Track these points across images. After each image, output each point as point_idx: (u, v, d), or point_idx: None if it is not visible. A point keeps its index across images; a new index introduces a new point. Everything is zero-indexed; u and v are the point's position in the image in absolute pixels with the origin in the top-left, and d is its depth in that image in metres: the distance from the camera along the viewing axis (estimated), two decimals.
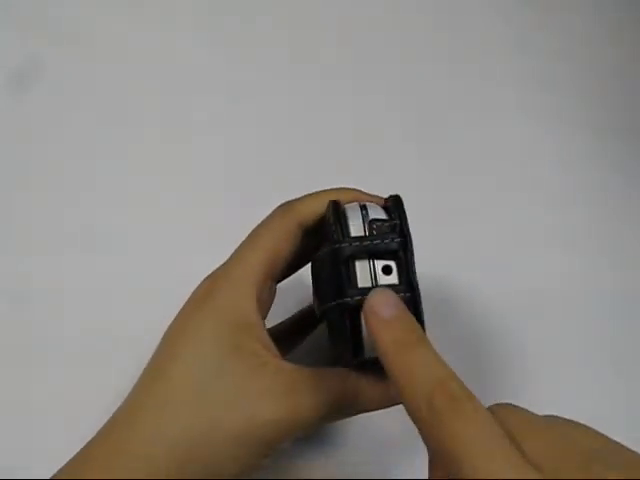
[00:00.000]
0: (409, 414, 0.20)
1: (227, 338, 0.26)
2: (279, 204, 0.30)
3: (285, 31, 0.48)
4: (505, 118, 0.48)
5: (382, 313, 0.22)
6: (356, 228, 0.26)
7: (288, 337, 0.33)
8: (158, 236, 0.40)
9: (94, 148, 0.42)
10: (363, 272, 0.25)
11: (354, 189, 0.29)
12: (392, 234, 0.25)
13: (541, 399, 0.39)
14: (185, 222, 0.41)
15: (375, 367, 0.27)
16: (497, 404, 0.21)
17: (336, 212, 0.26)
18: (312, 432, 0.27)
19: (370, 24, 0.50)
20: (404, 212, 0.26)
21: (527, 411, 0.21)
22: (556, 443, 0.19)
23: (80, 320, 0.38)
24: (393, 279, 0.25)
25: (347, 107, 0.47)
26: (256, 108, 0.45)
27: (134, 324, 0.37)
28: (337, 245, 0.25)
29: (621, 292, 0.44)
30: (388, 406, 0.28)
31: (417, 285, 0.25)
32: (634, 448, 0.20)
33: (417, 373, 0.20)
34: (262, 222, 0.29)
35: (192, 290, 0.28)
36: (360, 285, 0.25)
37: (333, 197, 0.28)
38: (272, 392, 0.25)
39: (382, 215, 0.26)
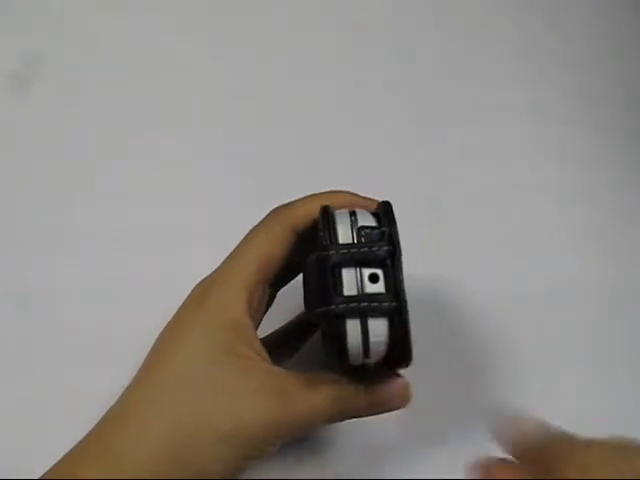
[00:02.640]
0: None
1: (217, 340, 0.26)
2: (274, 207, 0.30)
3: (285, 31, 0.48)
4: (507, 118, 0.48)
5: None
6: (344, 235, 0.25)
7: (282, 347, 0.33)
8: (158, 236, 0.40)
9: (94, 148, 0.42)
10: (349, 280, 0.25)
11: (348, 192, 0.29)
12: (380, 242, 0.25)
13: (541, 399, 0.39)
14: (185, 222, 0.41)
15: (365, 373, 0.27)
16: None
17: (325, 218, 0.26)
18: (300, 438, 0.27)
19: (371, 25, 0.50)
20: (394, 219, 0.26)
21: None
22: None
23: (80, 320, 0.38)
24: (379, 287, 0.25)
25: (348, 107, 0.46)
26: (256, 108, 0.45)
27: (134, 324, 0.37)
28: (324, 252, 0.25)
29: (623, 292, 0.44)
30: (378, 413, 0.28)
31: (404, 294, 0.24)
32: None
33: None
34: (256, 226, 0.29)
35: (191, 290, 0.28)
36: (346, 293, 0.24)
37: (327, 201, 0.28)
38: (262, 392, 0.25)
39: (371, 222, 0.26)
